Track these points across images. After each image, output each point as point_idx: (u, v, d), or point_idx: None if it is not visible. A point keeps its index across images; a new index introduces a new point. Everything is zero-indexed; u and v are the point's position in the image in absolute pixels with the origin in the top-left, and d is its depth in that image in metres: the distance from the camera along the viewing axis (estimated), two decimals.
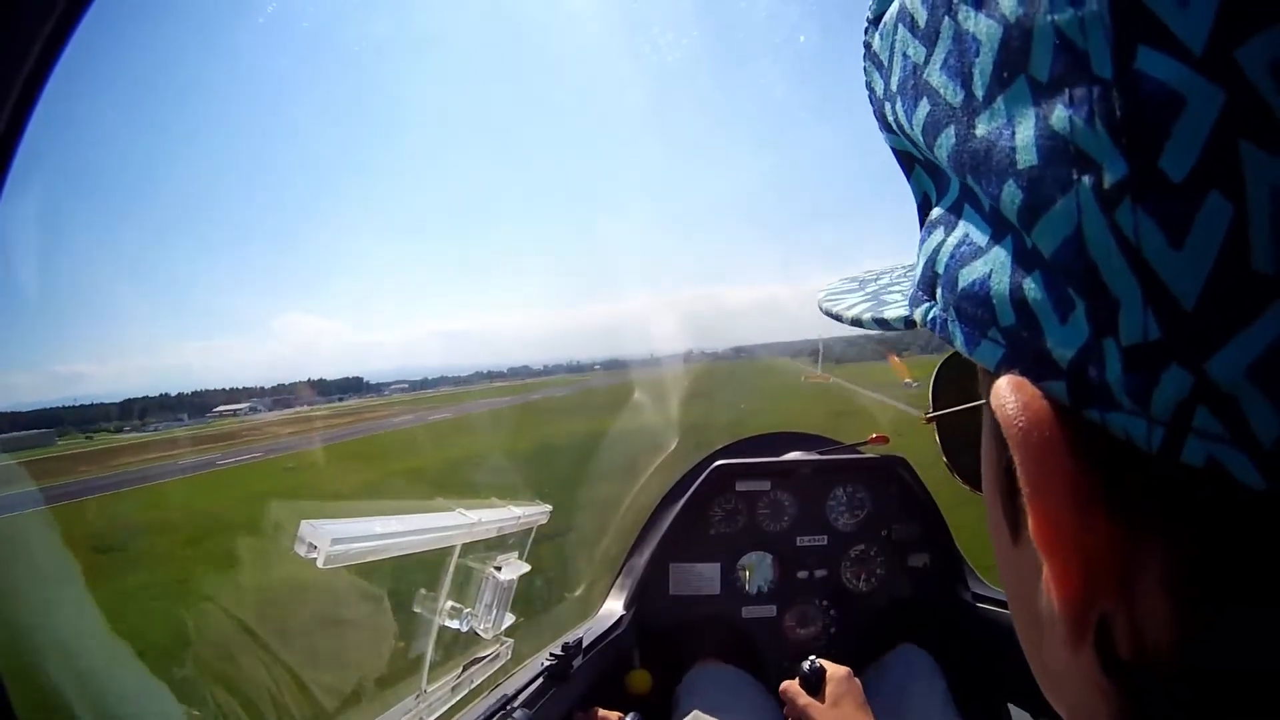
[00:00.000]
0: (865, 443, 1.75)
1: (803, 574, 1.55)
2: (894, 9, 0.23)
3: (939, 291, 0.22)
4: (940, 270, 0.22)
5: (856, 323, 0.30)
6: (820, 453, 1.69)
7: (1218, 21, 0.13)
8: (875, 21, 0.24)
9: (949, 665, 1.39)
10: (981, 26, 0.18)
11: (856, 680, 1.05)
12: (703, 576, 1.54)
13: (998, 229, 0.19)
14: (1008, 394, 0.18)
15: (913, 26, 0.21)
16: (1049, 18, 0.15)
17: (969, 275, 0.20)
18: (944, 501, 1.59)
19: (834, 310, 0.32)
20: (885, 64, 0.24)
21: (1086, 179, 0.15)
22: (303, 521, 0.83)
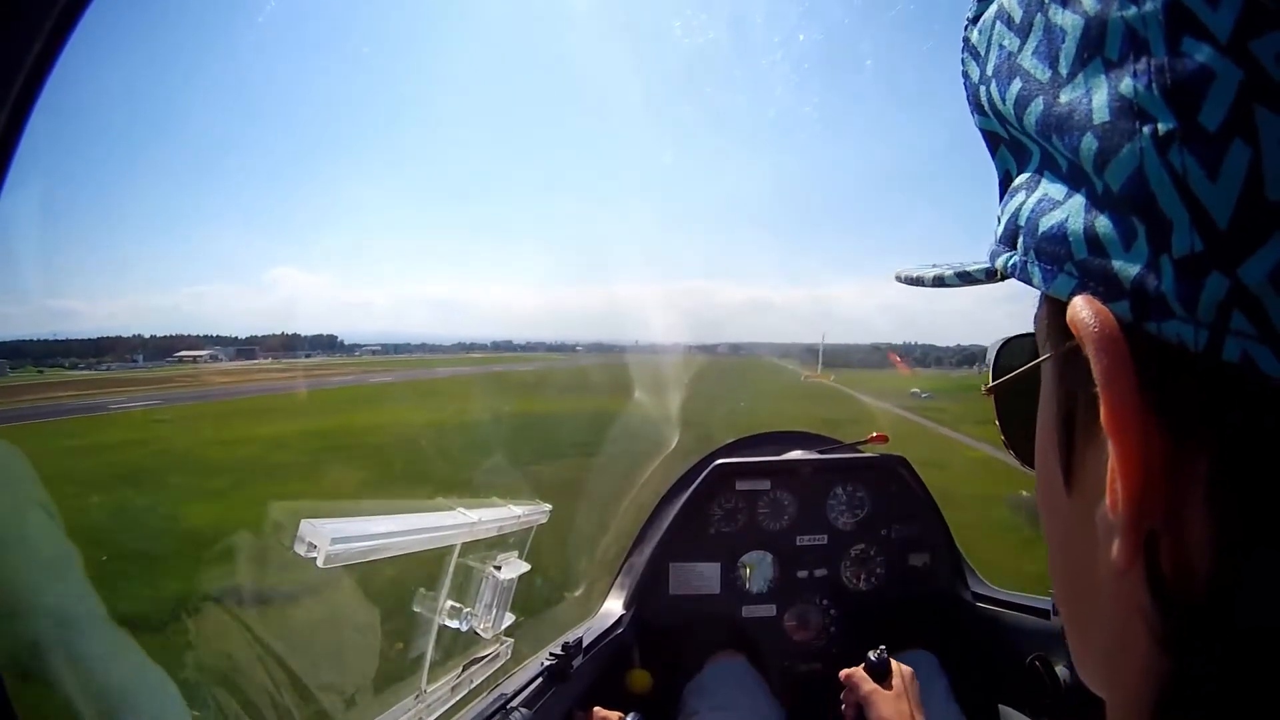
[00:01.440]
0: (865, 441, 1.75)
1: (803, 573, 1.55)
2: (993, 9, 0.28)
3: (1020, 240, 0.26)
4: (1022, 223, 0.26)
5: (939, 281, 0.35)
6: (820, 452, 1.68)
7: (1238, 21, 0.18)
8: (975, 20, 0.30)
9: (949, 664, 1.39)
10: (1067, 20, 0.23)
11: (917, 682, 1.07)
12: (703, 576, 1.54)
13: (1074, 183, 0.24)
14: (1083, 307, 0.22)
15: (1009, 22, 0.27)
16: (1119, 13, 0.21)
17: (1048, 222, 0.24)
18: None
19: (913, 276, 0.37)
20: (982, 54, 0.29)
21: (1146, 129, 0.20)
22: (302, 521, 0.83)
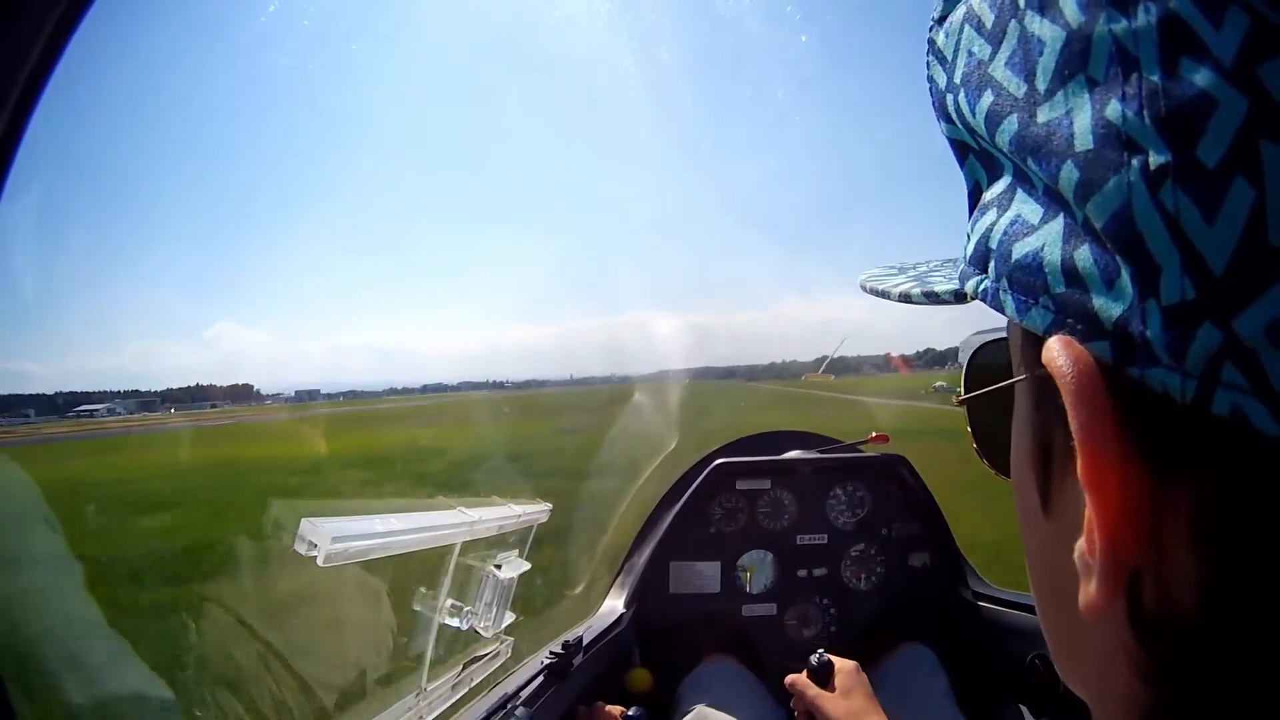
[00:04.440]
0: (865, 441, 1.75)
1: (803, 573, 1.55)
2: (960, 11, 0.26)
3: (991, 265, 0.24)
4: (994, 246, 0.24)
5: (905, 298, 0.32)
6: (820, 451, 1.69)
7: (1244, 43, 0.16)
8: (941, 21, 0.27)
9: (950, 664, 1.39)
10: (1046, 30, 0.21)
11: (864, 673, 1.06)
12: (703, 575, 1.54)
13: (1050, 208, 0.22)
14: (1059, 349, 0.20)
15: (979, 27, 0.24)
16: (1107, 27, 0.18)
17: (1022, 249, 0.22)
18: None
19: (879, 288, 0.34)
20: (949, 59, 0.26)
21: (1135, 161, 0.18)
22: (303, 519, 0.83)
